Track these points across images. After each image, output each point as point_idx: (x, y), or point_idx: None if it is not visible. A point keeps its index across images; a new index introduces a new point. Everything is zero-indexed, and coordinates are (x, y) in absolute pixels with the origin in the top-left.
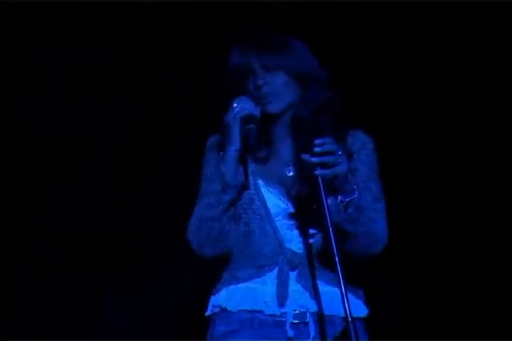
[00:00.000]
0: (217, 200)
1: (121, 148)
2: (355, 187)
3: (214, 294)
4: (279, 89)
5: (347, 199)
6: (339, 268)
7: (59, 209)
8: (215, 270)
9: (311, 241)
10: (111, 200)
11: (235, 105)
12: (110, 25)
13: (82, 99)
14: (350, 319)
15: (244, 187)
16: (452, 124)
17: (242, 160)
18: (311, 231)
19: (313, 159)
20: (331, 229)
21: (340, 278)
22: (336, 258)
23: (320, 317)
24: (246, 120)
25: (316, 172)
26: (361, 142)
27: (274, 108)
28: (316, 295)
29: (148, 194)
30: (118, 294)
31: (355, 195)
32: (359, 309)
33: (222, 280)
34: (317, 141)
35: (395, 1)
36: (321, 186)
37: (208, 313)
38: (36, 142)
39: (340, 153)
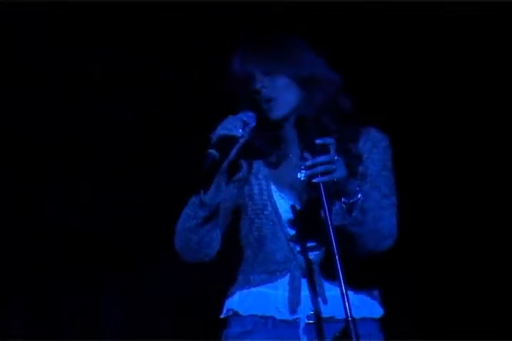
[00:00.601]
0: (193, 213)
1: (121, 148)
2: (357, 188)
3: (228, 297)
4: (279, 92)
5: (350, 201)
6: (339, 269)
7: (59, 209)
8: (214, 270)
9: (324, 245)
10: (111, 200)
11: (220, 123)
12: (110, 25)
13: (82, 99)
14: (350, 318)
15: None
16: (457, 122)
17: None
18: (312, 243)
19: (303, 174)
20: (332, 234)
21: (341, 278)
22: (337, 258)
23: (334, 321)
24: (225, 140)
25: (313, 180)
26: (373, 141)
27: (277, 114)
28: (327, 299)
29: (148, 194)
30: (118, 294)
31: (358, 197)
32: (373, 310)
33: (236, 284)
34: (317, 141)
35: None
36: (322, 193)
37: (222, 316)
38: (36, 142)
39: (336, 158)
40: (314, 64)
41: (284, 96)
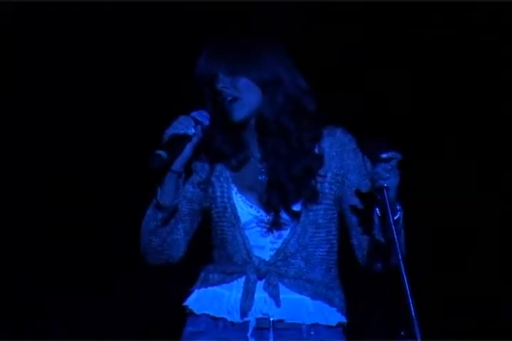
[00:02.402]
0: (152, 215)
1: (121, 148)
2: (398, 207)
3: (188, 295)
4: (241, 93)
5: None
6: (404, 272)
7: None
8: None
9: (281, 247)
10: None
11: (171, 123)
12: (110, 25)
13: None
14: (414, 317)
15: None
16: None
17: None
18: (277, 238)
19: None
20: (396, 243)
21: (405, 281)
22: (401, 259)
23: (283, 325)
24: (176, 140)
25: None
26: (340, 143)
27: (239, 115)
28: (280, 302)
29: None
30: (116, 294)
31: (398, 216)
32: (329, 317)
33: (197, 282)
34: (383, 155)
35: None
36: (386, 199)
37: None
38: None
39: (391, 167)
40: (279, 66)
41: (245, 97)
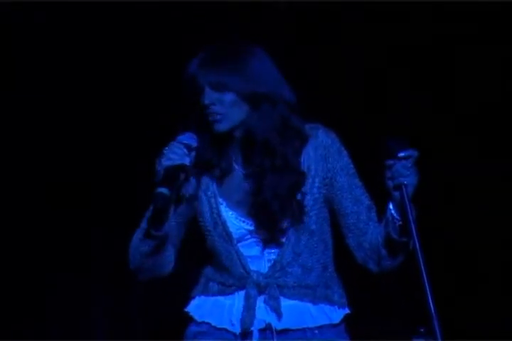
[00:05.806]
0: (144, 241)
1: (121, 148)
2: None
3: (190, 299)
4: (227, 109)
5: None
6: (425, 277)
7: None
8: None
9: (277, 258)
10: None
11: (164, 153)
12: (110, 26)
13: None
14: (434, 315)
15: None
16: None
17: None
18: (273, 248)
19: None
20: (416, 239)
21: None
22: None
23: (286, 332)
24: (173, 171)
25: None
26: (324, 147)
27: (221, 127)
28: (282, 312)
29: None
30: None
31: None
32: (332, 316)
33: (197, 286)
34: (400, 154)
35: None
36: (405, 196)
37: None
38: None
39: (411, 165)
40: (269, 81)
41: (231, 112)
